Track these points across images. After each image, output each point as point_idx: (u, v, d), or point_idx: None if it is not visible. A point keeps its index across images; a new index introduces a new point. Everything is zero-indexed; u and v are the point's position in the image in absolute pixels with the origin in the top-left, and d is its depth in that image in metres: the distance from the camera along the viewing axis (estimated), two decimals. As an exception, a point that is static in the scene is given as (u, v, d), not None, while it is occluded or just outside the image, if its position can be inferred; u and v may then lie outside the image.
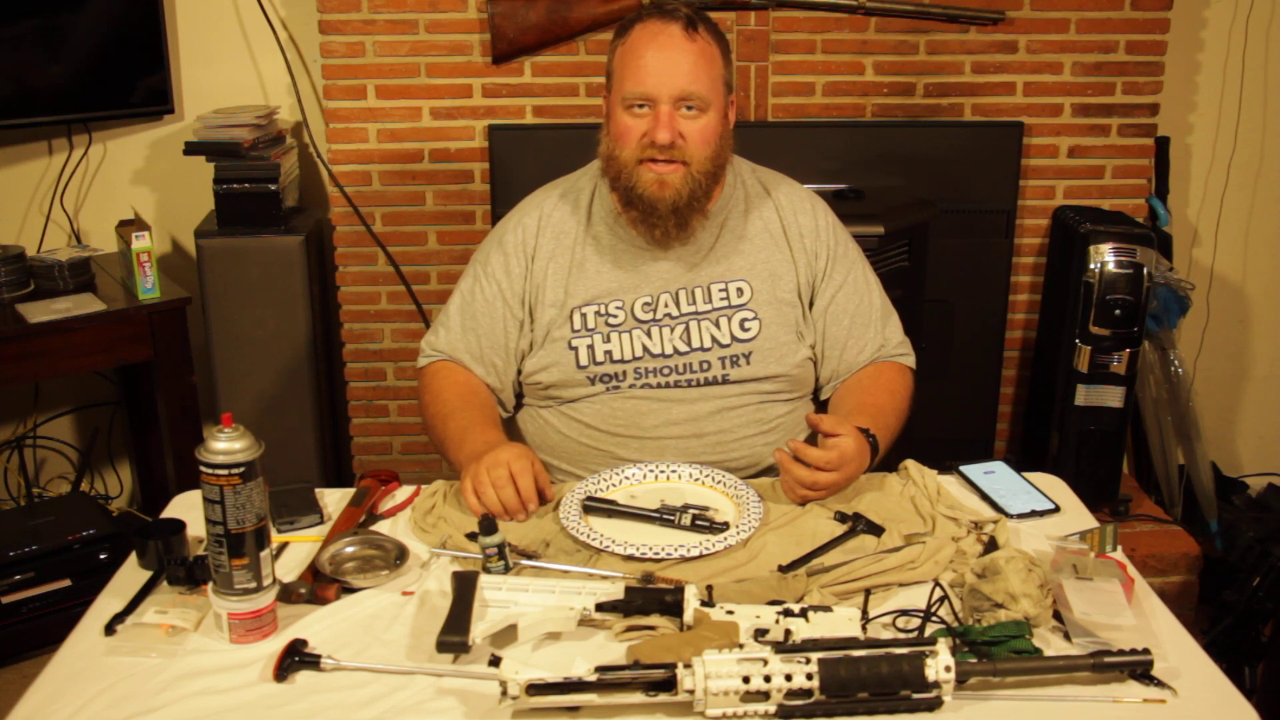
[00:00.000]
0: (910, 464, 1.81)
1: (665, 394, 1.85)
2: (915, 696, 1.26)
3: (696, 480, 1.77)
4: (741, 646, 1.31)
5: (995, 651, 1.35)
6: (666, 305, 1.87)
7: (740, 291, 1.88)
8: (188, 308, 2.78)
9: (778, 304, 1.88)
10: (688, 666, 1.25)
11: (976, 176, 2.86)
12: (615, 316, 1.86)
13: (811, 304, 1.92)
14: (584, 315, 1.87)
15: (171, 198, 3.09)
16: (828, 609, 1.39)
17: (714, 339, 1.86)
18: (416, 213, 2.89)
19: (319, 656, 1.35)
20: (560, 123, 2.81)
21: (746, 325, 1.86)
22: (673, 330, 1.86)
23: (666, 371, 1.85)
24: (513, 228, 1.94)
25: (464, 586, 1.42)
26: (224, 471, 1.35)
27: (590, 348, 1.86)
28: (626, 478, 1.77)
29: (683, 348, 1.85)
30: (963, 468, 1.84)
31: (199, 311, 2.80)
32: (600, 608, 1.41)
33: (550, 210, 1.93)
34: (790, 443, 1.70)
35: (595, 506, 1.68)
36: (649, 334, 1.86)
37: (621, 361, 1.85)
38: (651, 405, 1.86)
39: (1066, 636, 1.41)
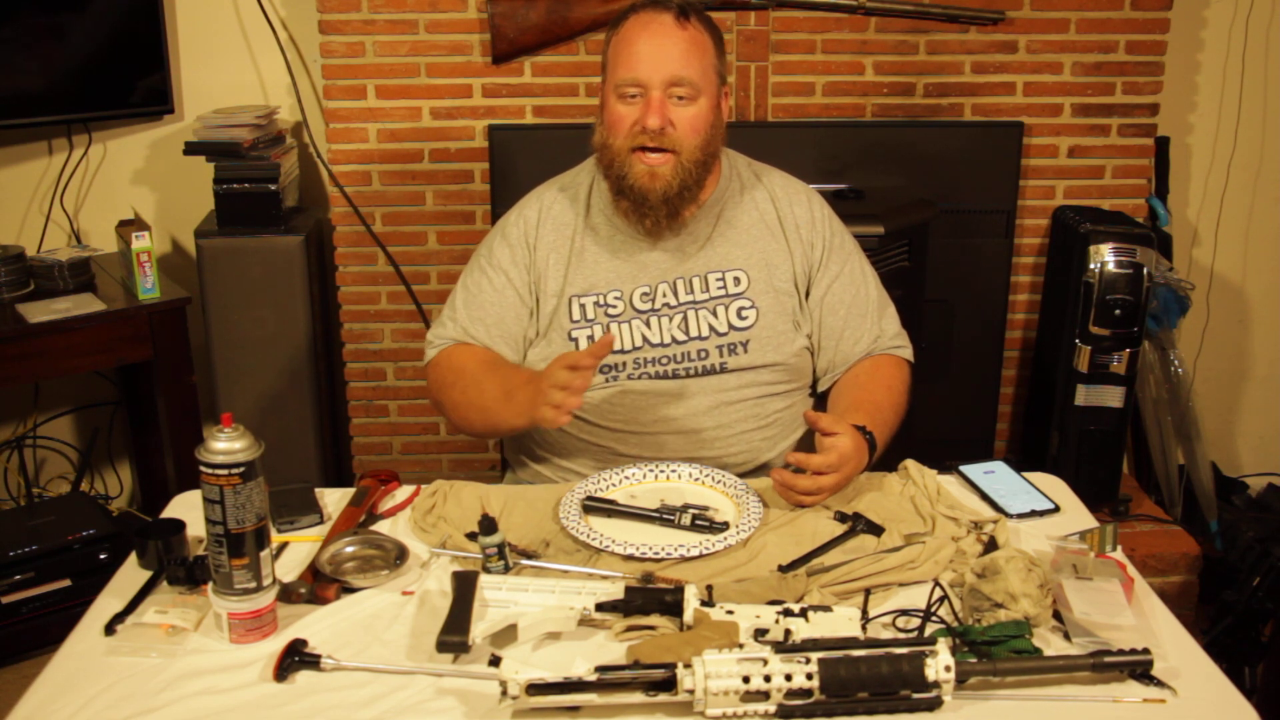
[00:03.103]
0: (910, 464, 1.81)
1: (664, 386, 1.86)
2: (915, 696, 1.26)
3: (696, 480, 1.77)
4: (741, 646, 1.31)
5: (995, 651, 1.35)
6: (665, 295, 1.87)
7: (737, 280, 1.88)
8: (188, 308, 2.78)
9: (774, 293, 1.89)
10: (688, 666, 1.25)
11: (976, 176, 2.86)
12: (614, 307, 1.87)
13: (808, 294, 1.93)
14: (583, 306, 1.87)
15: (171, 198, 3.09)
16: (828, 609, 1.39)
17: (711, 328, 1.86)
18: (416, 213, 2.89)
19: (319, 656, 1.35)
20: (560, 123, 2.81)
21: (744, 314, 1.87)
22: (671, 320, 1.87)
23: (665, 361, 1.86)
24: (514, 220, 1.95)
25: (464, 586, 1.42)
26: (224, 471, 1.35)
27: (591, 338, 1.86)
28: (626, 477, 1.77)
29: (681, 337, 1.86)
30: (963, 468, 1.84)
31: (199, 311, 2.80)
32: (600, 608, 1.41)
33: (550, 203, 1.94)
34: (789, 456, 1.70)
35: (595, 506, 1.68)
36: (648, 324, 1.86)
37: (621, 352, 1.86)
38: (650, 400, 1.86)
39: (1066, 636, 1.41)
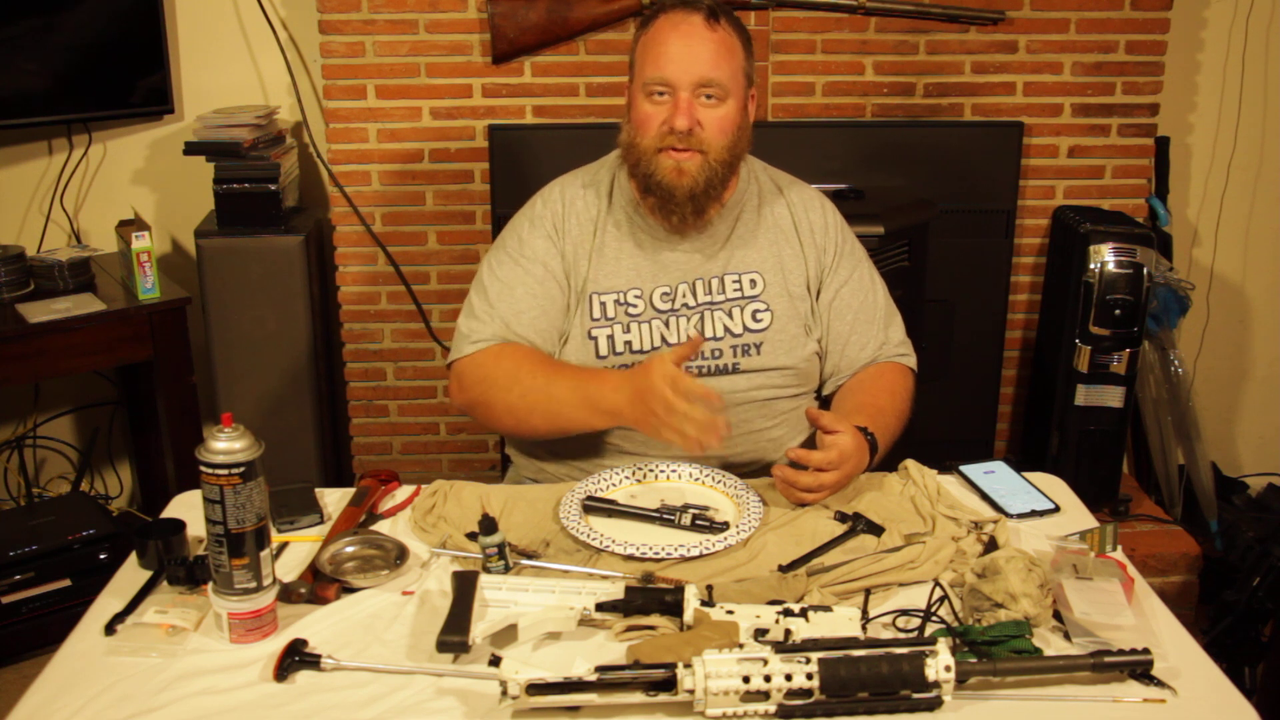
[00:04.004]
0: (910, 464, 1.81)
1: None
2: (915, 696, 1.26)
3: (696, 480, 1.77)
4: (741, 646, 1.31)
5: (995, 651, 1.35)
6: (684, 295, 1.88)
7: (754, 283, 1.89)
8: (188, 308, 2.78)
9: (789, 297, 1.90)
10: (688, 666, 1.25)
11: (976, 176, 2.86)
12: (635, 306, 1.87)
13: (817, 297, 1.93)
14: (604, 304, 1.87)
15: (171, 198, 3.09)
16: (828, 609, 1.39)
17: (727, 328, 1.87)
18: (416, 213, 2.89)
19: (319, 656, 1.36)
20: (560, 123, 2.81)
21: (759, 316, 1.87)
22: (689, 320, 1.87)
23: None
24: (541, 209, 1.93)
25: (464, 586, 1.42)
26: (224, 471, 1.35)
27: (610, 338, 1.86)
28: (626, 477, 1.77)
29: None
30: (963, 468, 1.84)
31: (199, 311, 2.80)
32: (600, 608, 1.41)
33: (573, 196, 1.93)
34: (790, 452, 1.70)
35: (595, 506, 1.68)
36: (667, 324, 1.87)
37: (640, 352, 1.86)
38: None
39: (1066, 636, 1.41)
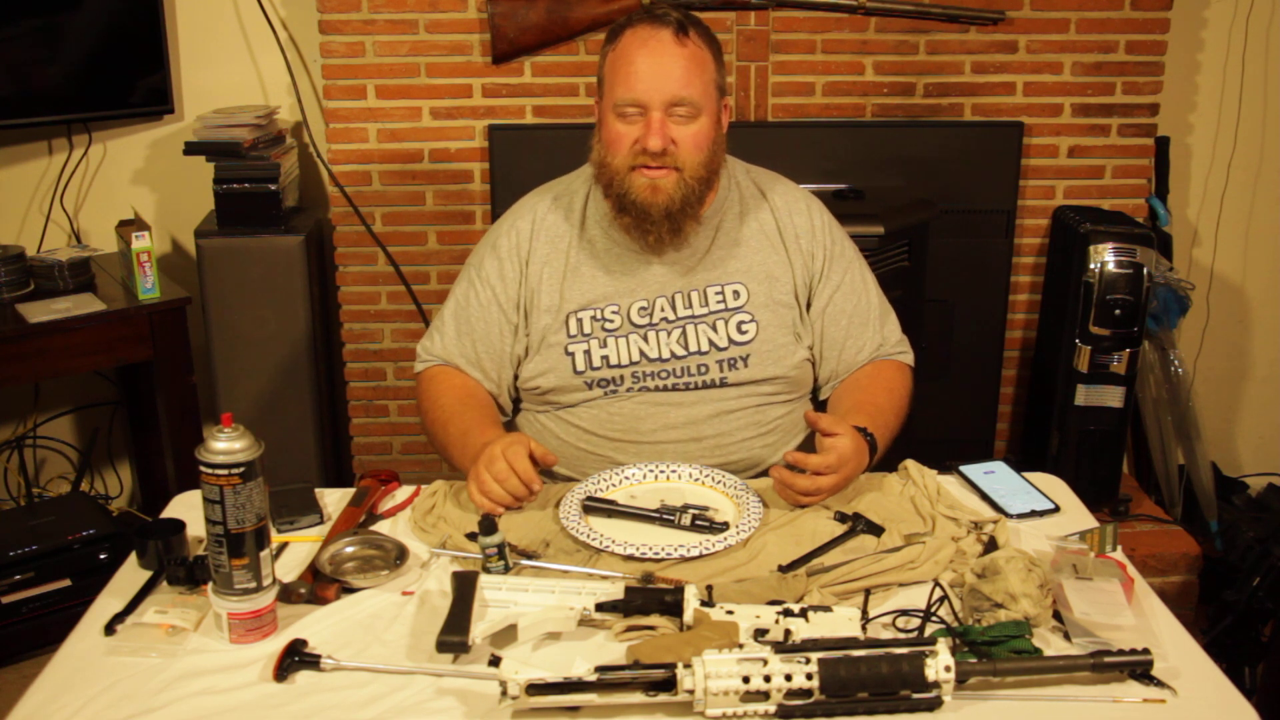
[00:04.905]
0: (910, 464, 1.81)
1: (663, 397, 1.85)
2: (915, 696, 1.26)
3: (696, 480, 1.77)
4: (741, 646, 1.31)
5: (995, 651, 1.35)
6: (663, 309, 1.86)
7: (737, 294, 1.87)
8: (188, 308, 2.78)
9: (774, 306, 1.88)
10: (688, 666, 1.25)
11: (976, 176, 2.86)
12: (611, 321, 1.86)
13: (809, 305, 1.91)
14: (580, 320, 1.86)
15: (171, 198, 3.09)
16: (828, 609, 1.39)
17: (711, 342, 1.85)
18: (416, 213, 2.89)
19: (319, 656, 1.36)
20: (560, 123, 2.81)
21: (744, 328, 1.86)
22: (669, 334, 1.85)
23: (664, 375, 1.85)
24: (505, 231, 1.92)
25: (464, 586, 1.42)
26: (224, 471, 1.35)
27: (587, 353, 1.85)
28: (626, 478, 1.77)
29: (680, 351, 1.85)
30: (963, 468, 1.84)
31: (199, 311, 2.80)
32: (600, 608, 1.41)
33: (544, 214, 1.91)
34: (788, 455, 1.70)
35: (595, 506, 1.68)
36: (645, 339, 1.85)
37: (618, 366, 1.85)
38: (649, 409, 1.85)
39: (1066, 636, 1.41)
